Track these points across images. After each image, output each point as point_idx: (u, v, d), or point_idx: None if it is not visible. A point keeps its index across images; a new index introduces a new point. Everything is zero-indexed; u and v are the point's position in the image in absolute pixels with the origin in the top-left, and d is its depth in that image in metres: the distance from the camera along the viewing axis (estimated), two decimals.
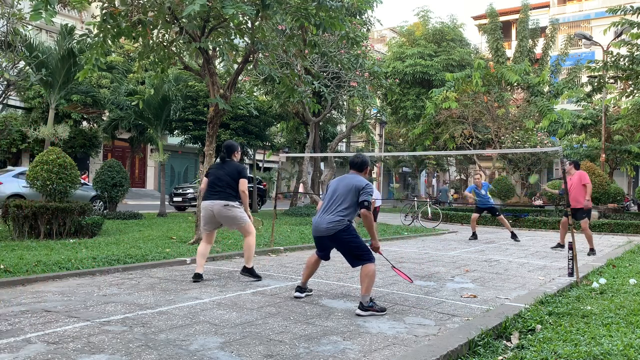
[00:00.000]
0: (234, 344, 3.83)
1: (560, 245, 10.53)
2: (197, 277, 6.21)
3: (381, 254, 5.40)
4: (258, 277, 6.38)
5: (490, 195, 12.97)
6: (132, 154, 26.13)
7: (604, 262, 8.30)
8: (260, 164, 29.31)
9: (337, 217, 4.98)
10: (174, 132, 20.42)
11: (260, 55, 10.15)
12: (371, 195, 5.01)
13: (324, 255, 5.39)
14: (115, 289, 5.69)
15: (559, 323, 4.40)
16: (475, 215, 12.87)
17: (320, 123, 19.72)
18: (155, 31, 8.93)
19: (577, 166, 10.16)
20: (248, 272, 6.33)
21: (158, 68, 9.73)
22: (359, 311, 4.79)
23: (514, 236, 12.24)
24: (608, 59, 16.80)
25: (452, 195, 34.54)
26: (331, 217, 5.00)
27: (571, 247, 6.77)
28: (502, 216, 12.68)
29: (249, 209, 6.41)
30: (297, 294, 5.45)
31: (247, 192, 6.30)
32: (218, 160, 6.58)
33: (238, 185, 6.22)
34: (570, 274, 6.81)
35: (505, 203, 22.64)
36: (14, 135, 21.20)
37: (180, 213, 19.00)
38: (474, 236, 12.51)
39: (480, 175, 13.49)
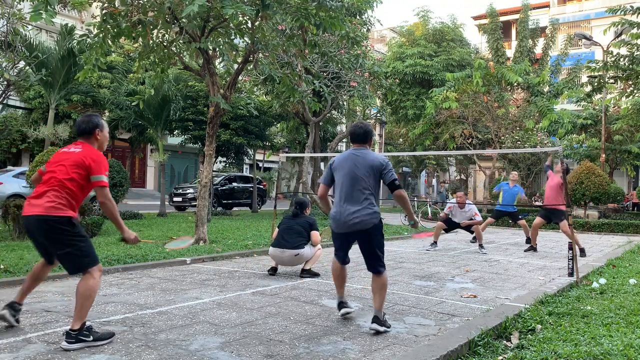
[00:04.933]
0: (234, 344, 3.83)
1: (532, 248, 10.25)
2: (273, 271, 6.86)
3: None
4: (316, 274, 6.81)
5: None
6: (132, 154, 26.12)
7: (604, 262, 8.29)
8: (260, 164, 29.30)
9: (370, 209, 4.29)
10: (174, 132, 20.43)
11: (260, 55, 10.14)
12: (394, 171, 4.41)
13: (344, 257, 4.62)
14: (115, 289, 5.69)
15: (559, 323, 4.40)
16: (490, 220, 11.56)
17: (320, 123, 19.71)
18: (155, 31, 8.93)
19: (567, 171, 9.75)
20: (308, 272, 6.78)
21: (158, 68, 9.73)
22: (375, 326, 4.18)
23: (530, 241, 10.96)
24: (608, 59, 16.80)
25: (451, 195, 34.46)
26: (362, 208, 4.28)
27: (571, 247, 6.78)
28: (524, 221, 11.52)
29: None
30: (344, 310, 4.65)
31: (320, 245, 6.94)
32: (290, 214, 7.09)
33: (310, 235, 6.77)
34: (570, 274, 6.82)
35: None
36: (14, 135, 21.20)
37: (180, 213, 19.00)
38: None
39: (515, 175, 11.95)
